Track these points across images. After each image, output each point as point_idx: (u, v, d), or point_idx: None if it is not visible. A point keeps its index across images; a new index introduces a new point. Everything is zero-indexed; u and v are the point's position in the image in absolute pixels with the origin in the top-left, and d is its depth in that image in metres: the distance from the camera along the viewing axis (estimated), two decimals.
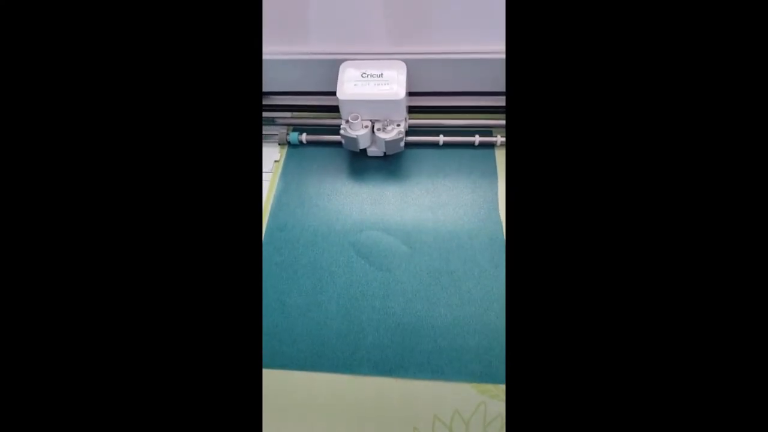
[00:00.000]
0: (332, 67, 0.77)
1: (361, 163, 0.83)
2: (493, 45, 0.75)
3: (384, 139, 0.74)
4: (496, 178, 0.79)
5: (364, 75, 0.75)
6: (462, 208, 0.75)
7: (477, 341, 0.63)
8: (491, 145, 0.83)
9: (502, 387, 0.60)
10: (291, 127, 0.89)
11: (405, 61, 0.76)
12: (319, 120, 0.89)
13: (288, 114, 0.90)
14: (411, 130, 0.84)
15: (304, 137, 0.86)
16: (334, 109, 0.85)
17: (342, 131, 0.75)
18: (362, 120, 0.75)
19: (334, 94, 0.74)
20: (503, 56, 0.75)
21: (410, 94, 0.83)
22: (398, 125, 0.75)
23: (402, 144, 0.77)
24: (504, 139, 0.82)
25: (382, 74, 0.75)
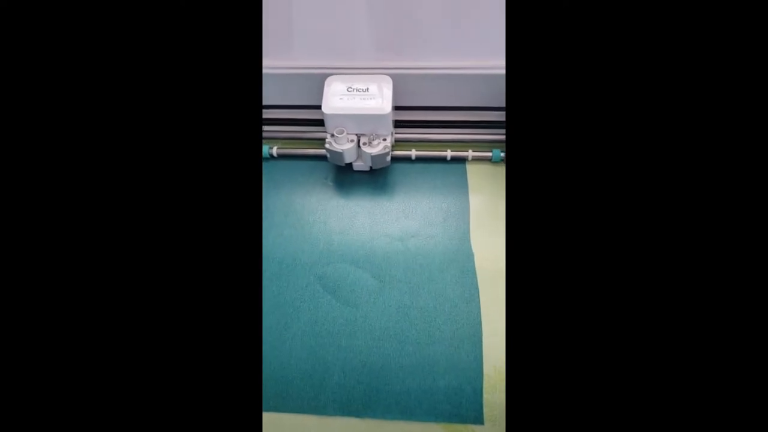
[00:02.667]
0: (315, 81, 0.77)
1: (342, 177, 0.82)
2: (480, 60, 0.75)
3: (370, 153, 0.73)
4: (468, 194, 0.78)
5: (349, 89, 0.74)
6: (433, 239, 0.73)
7: (447, 381, 0.60)
8: (463, 160, 0.83)
9: (473, 428, 0.58)
10: (263, 140, 0.86)
11: (391, 75, 0.76)
12: (292, 134, 0.87)
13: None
14: (398, 144, 0.84)
15: (275, 150, 0.84)
16: (314, 122, 0.84)
17: (327, 145, 0.74)
18: (348, 134, 0.74)
19: (315, 107, 0.74)
20: (489, 71, 0.76)
21: (397, 108, 0.82)
22: (384, 139, 0.74)
23: (388, 158, 0.76)
24: (474, 154, 0.82)
25: (368, 89, 0.74)
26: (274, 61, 0.78)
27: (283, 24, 0.73)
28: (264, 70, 0.78)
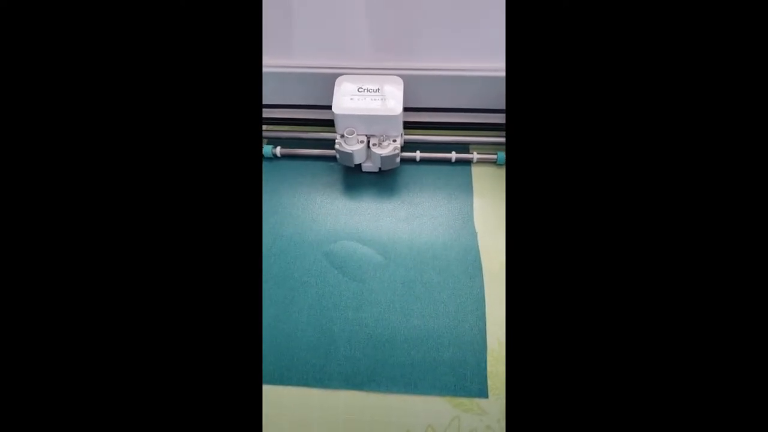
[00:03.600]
0: (324, 81, 0.76)
1: (350, 178, 0.82)
2: (485, 63, 0.76)
3: (380, 154, 0.73)
4: (472, 196, 0.79)
5: (360, 89, 0.74)
6: (437, 219, 0.75)
7: (451, 354, 0.61)
8: (468, 162, 0.84)
9: (477, 401, 0.59)
10: (265, 140, 0.87)
11: (398, 76, 0.76)
12: (295, 134, 0.87)
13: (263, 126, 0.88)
14: (405, 145, 0.83)
15: (278, 150, 0.83)
16: (321, 123, 0.84)
17: (337, 146, 0.73)
18: (358, 135, 0.73)
19: (319, 107, 0.73)
20: (494, 74, 0.76)
21: (405, 109, 0.82)
22: (394, 140, 0.74)
23: (398, 160, 0.76)
24: (479, 156, 0.82)
25: (378, 89, 0.74)
26: (283, 60, 0.78)
27: (294, 23, 0.73)
28: (272, 69, 0.78)
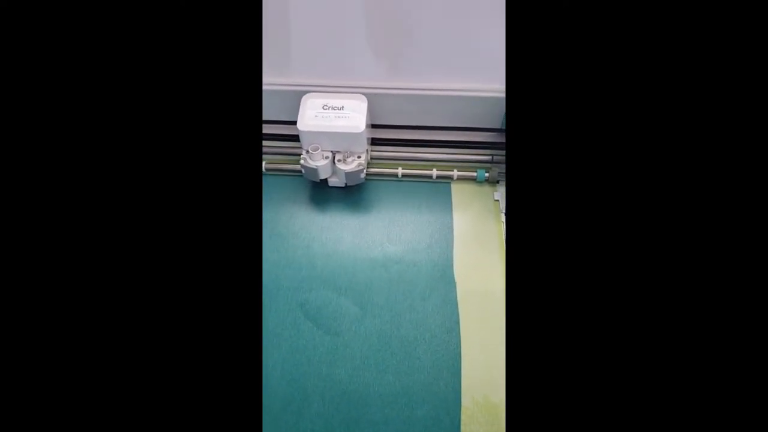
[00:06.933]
0: (292, 99, 0.77)
1: (322, 194, 0.82)
2: (467, 83, 0.77)
3: (344, 170, 0.75)
4: (451, 214, 0.79)
5: (325, 107, 0.75)
6: (416, 266, 0.73)
7: (425, 411, 0.61)
8: (449, 179, 0.84)
9: None
10: None
11: (366, 95, 0.77)
12: (275, 149, 0.87)
13: None
14: (374, 162, 0.85)
15: (264, 166, 0.84)
16: (294, 138, 0.84)
17: (302, 161, 0.75)
18: (323, 151, 0.75)
19: (293, 123, 0.74)
20: (476, 94, 0.77)
21: (384, 126, 0.84)
22: (359, 157, 0.76)
23: (362, 175, 0.78)
24: (459, 173, 0.83)
25: (343, 107, 0.75)
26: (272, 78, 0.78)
27: (291, 41, 0.73)
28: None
